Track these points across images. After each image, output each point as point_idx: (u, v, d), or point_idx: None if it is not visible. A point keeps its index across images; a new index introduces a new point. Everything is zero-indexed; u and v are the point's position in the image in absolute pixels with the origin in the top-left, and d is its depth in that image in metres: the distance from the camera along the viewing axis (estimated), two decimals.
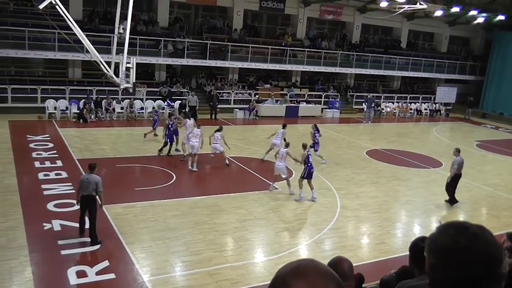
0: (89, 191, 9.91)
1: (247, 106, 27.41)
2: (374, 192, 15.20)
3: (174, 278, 8.98)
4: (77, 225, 10.41)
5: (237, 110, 27.09)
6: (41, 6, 13.69)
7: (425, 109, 34.81)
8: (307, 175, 13.61)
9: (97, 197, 10.04)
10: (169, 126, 16.88)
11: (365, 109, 30.17)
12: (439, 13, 31.35)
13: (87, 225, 10.06)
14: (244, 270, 9.45)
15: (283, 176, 14.15)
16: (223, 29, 30.27)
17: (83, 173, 11.90)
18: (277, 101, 28.63)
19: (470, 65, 38.59)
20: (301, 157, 13.80)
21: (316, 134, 18.30)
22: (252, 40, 30.09)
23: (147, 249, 9.91)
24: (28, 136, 18.36)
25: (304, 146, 14.21)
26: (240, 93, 28.87)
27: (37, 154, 16.05)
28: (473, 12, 31.48)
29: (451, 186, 14.35)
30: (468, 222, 1.69)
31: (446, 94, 35.94)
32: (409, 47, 37.99)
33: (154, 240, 10.30)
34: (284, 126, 18.25)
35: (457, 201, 14.46)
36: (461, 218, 13.85)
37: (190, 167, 15.60)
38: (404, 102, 34.12)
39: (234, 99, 28.30)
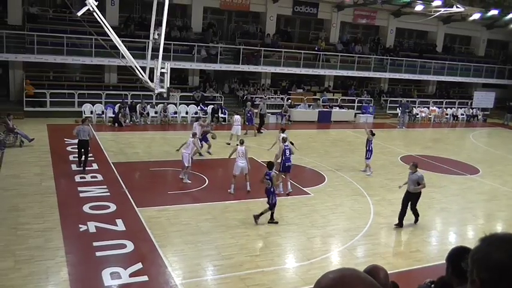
0: (84, 136, 14.59)
1: (280, 111, 27.39)
2: None
3: (206, 281, 9.02)
4: (111, 227, 10.71)
5: (269, 114, 27.10)
6: (79, 14, 14.03)
7: (462, 114, 34.00)
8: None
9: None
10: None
11: (399, 114, 29.69)
12: (476, 16, 30.66)
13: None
14: (275, 276, 9.40)
15: (246, 173, 14.02)
16: (256, 34, 30.38)
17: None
18: (309, 105, 28.51)
19: (509, 69, 37.53)
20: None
21: (371, 141, 17.02)
22: (285, 45, 30.10)
23: (179, 252, 9.99)
24: (65, 139, 18.80)
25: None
26: (272, 98, 28.88)
27: (74, 157, 16.39)
28: None
29: (415, 204, 12.41)
30: None
31: (483, 99, 35.03)
32: (445, 51, 37.25)
33: (187, 243, 10.37)
34: (283, 131, 16.80)
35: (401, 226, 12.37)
36: (499, 226, 13.45)
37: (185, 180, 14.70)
38: (440, 107, 33.43)
39: (266, 104, 28.29)
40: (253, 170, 14.24)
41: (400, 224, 12.28)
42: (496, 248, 1.57)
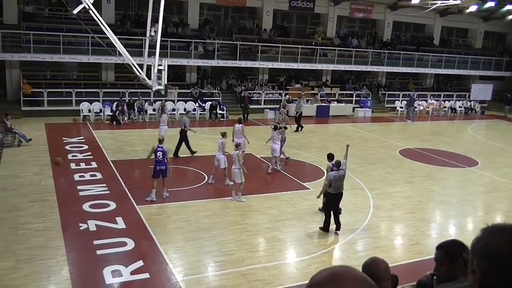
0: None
1: (278, 106, 27.36)
2: (407, 192, 14.94)
3: (207, 278, 9.03)
4: (111, 225, 10.75)
5: (267, 110, 27.07)
6: (75, 12, 14.01)
7: (460, 107, 34.03)
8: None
9: None
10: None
11: (404, 107, 29.81)
12: (473, 8, 30.63)
13: None
14: (276, 271, 9.42)
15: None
16: (253, 30, 30.33)
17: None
18: (307, 100, 28.48)
19: (507, 61, 37.54)
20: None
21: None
22: (282, 40, 30.05)
23: (180, 249, 10.00)
24: (64, 138, 18.80)
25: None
26: (270, 93, 28.86)
27: (72, 156, 16.41)
28: (508, 7, 30.67)
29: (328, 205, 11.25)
30: None
31: (481, 91, 35.05)
32: (442, 43, 37.23)
33: (187, 240, 10.38)
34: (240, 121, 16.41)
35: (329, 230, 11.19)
36: (498, 218, 13.49)
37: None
38: (437, 100, 33.44)
39: (264, 100, 28.29)
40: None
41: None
42: (497, 237, 1.57)
